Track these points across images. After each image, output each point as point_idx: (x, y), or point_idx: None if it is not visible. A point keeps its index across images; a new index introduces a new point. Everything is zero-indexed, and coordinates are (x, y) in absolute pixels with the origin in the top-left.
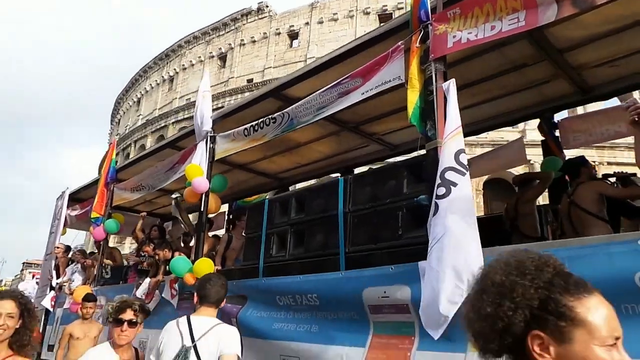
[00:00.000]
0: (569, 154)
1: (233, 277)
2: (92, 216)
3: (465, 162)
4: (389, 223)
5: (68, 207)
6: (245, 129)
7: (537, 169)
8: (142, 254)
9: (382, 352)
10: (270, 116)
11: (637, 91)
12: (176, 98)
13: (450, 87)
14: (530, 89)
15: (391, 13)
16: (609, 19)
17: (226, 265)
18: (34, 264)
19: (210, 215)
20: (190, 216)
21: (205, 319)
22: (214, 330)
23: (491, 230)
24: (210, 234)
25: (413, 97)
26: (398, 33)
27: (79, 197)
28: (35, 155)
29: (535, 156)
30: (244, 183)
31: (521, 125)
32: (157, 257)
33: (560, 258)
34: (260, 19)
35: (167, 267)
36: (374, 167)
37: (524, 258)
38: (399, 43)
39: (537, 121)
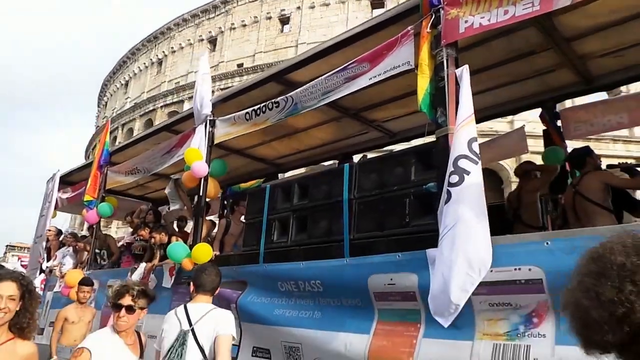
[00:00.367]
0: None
1: (232, 263)
2: (85, 199)
3: (478, 151)
4: (395, 210)
5: (59, 189)
6: (247, 112)
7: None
8: (137, 238)
9: (386, 339)
10: (273, 100)
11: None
12: (165, 82)
13: (464, 73)
14: (534, 78)
15: (383, 0)
16: (616, 8)
17: (224, 250)
18: (18, 246)
19: (208, 200)
20: None
21: (201, 305)
22: (210, 314)
23: (492, 219)
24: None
25: (423, 83)
26: (407, 17)
27: (70, 179)
28: (17, 135)
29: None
30: (240, 169)
31: (509, 117)
32: (152, 241)
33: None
34: (251, 1)
35: (163, 251)
36: (369, 155)
37: None
38: (409, 28)
39: (527, 112)
